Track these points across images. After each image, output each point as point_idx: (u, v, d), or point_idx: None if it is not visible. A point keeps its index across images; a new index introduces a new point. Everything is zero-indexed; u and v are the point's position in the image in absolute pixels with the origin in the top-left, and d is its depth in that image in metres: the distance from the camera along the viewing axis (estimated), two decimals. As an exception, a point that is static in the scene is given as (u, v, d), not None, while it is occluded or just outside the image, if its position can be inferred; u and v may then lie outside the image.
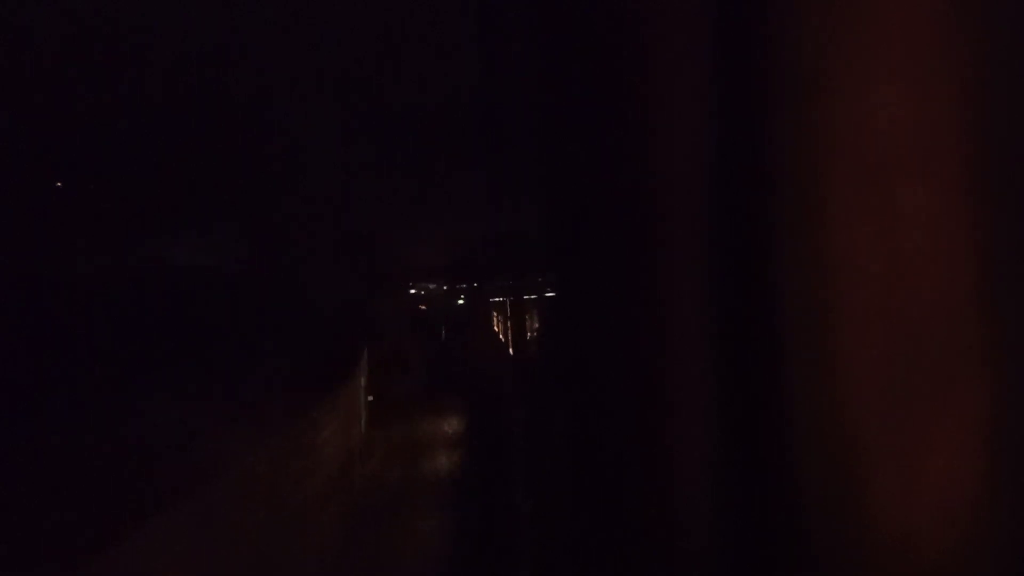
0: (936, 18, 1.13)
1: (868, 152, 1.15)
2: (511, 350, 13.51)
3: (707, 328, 1.32)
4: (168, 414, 4.99)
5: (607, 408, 1.50)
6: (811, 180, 1.19)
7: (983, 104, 1.14)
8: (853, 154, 1.16)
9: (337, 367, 8.25)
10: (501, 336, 15.57)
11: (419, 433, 9.80)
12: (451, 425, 9.73)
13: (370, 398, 10.31)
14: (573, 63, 1.49)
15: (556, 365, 1.86)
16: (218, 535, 3.44)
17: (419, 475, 8.10)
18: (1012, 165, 1.14)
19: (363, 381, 9.73)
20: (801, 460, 1.22)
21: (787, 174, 1.20)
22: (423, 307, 18.49)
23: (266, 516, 4.12)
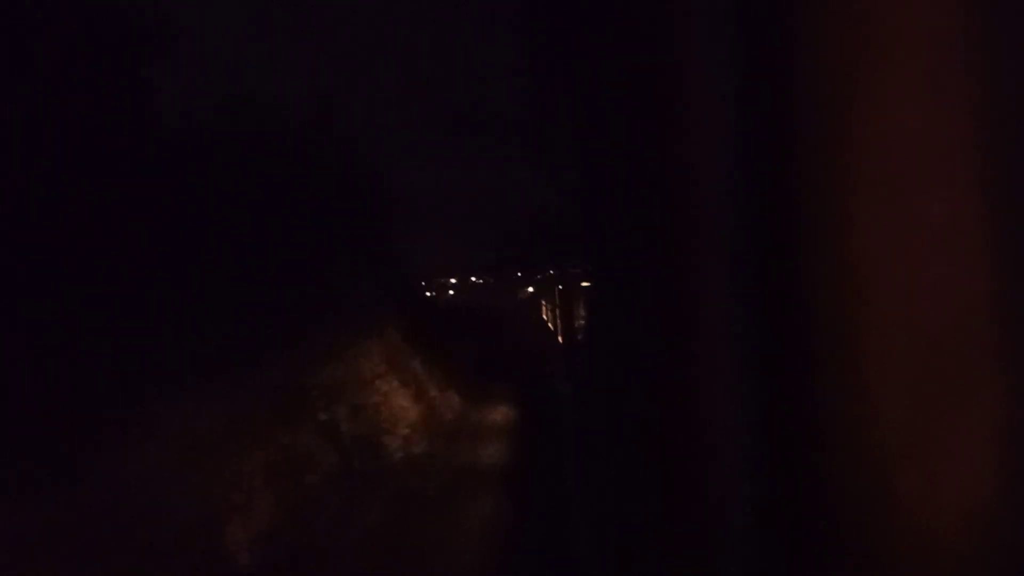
0: (955, 31, 1.16)
1: (890, 162, 1.19)
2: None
3: (737, 333, 1.38)
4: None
5: (644, 404, 1.57)
6: (835, 190, 1.23)
7: (1003, 114, 1.16)
8: (875, 164, 1.19)
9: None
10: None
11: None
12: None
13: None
14: (609, 75, 1.56)
15: (598, 362, 1.93)
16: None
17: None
18: None
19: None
20: (828, 459, 1.27)
21: (811, 184, 1.25)
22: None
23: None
